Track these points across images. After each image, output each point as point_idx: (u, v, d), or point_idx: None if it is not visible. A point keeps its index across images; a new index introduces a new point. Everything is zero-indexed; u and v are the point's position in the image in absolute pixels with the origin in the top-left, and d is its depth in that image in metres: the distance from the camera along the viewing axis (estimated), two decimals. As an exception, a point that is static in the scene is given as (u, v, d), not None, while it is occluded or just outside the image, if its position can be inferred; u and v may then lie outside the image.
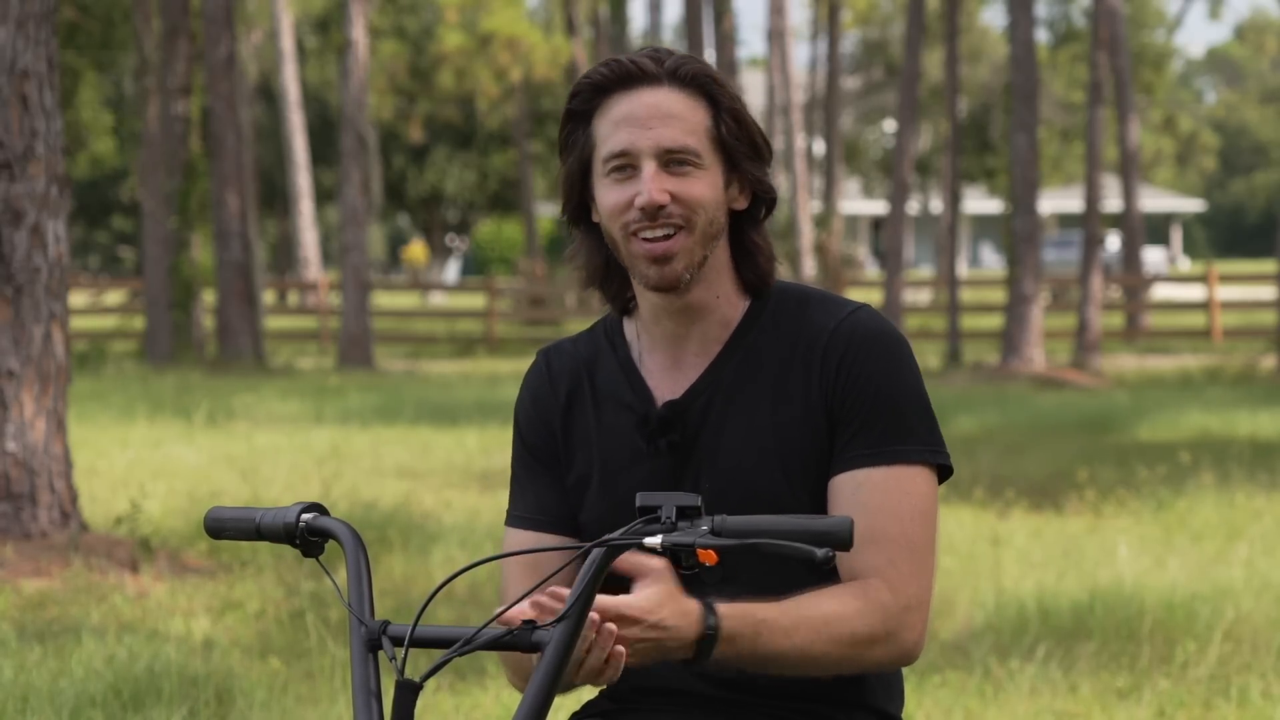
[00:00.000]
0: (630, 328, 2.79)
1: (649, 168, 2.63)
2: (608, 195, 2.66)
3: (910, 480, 2.65)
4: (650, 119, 2.63)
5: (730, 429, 2.69)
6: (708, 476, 2.68)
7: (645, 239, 2.63)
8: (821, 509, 2.66)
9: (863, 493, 2.64)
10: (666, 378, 2.74)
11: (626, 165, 2.64)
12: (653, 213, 2.62)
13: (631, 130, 2.64)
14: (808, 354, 2.69)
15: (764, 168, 2.71)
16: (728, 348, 2.72)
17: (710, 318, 2.72)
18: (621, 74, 2.66)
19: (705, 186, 2.65)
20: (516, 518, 2.82)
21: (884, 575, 2.62)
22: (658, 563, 2.47)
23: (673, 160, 2.63)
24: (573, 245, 2.79)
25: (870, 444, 2.64)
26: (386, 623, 2.39)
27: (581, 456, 2.77)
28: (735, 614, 2.52)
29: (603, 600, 2.40)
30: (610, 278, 2.76)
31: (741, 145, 2.68)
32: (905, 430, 2.66)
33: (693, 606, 2.49)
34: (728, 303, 2.73)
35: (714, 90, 2.67)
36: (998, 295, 31.04)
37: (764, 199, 2.72)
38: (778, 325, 2.72)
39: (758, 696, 2.69)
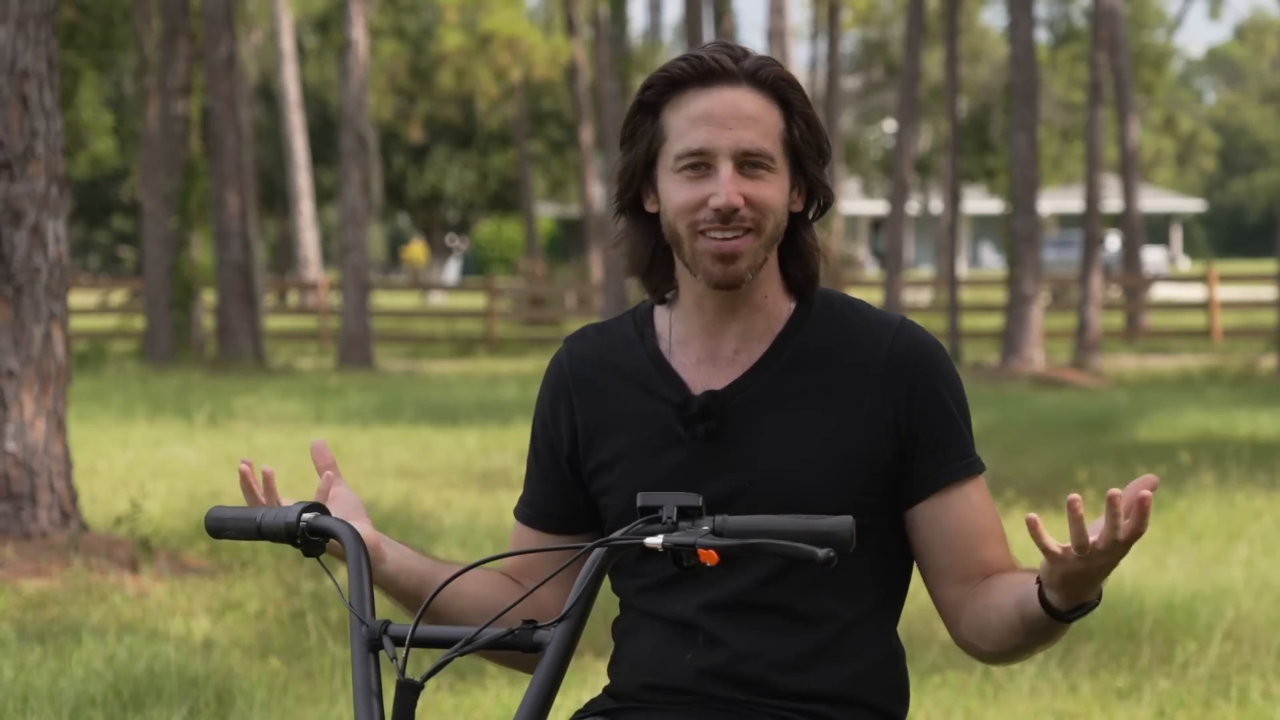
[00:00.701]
0: (662, 319, 2.79)
1: (726, 169, 2.62)
2: (679, 192, 2.65)
3: (984, 484, 2.80)
4: (729, 119, 2.63)
5: (775, 429, 2.70)
6: (746, 474, 2.68)
7: (714, 237, 2.63)
8: (865, 516, 2.64)
9: (975, 497, 2.75)
10: (699, 371, 2.74)
11: (701, 164, 2.63)
12: (727, 215, 2.62)
13: (710, 129, 2.63)
14: (864, 367, 2.71)
15: (824, 169, 2.73)
16: (775, 347, 2.73)
17: (753, 316, 2.72)
18: (701, 70, 2.64)
19: (776, 190, 2.65)
20: (518, 506, 2.89)
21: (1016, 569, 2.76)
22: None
23: (748, 162, 2.63)
24: (619, 233, 2.78)
25: (962, 454, 2.74)
26: (388, 622, 2.39)
27: (603, 443, 2.77)
28: None
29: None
30: (654, 268, 2.76)
31: (810, 150, 2.69)
32: (972, 437, 2.78)
33: None
34: (773, 302, 2.74)
35: (789, 94, 2.67)
36: (998, 295, 31.05)
37: (818, 199, 2.74)
38: (826, 332, 2.73)
39: (761, 696, 2.69)
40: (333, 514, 2.61)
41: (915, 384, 2.71)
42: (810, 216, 2.75)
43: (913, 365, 2.71)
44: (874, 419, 2.70)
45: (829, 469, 2.68)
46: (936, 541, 2.72)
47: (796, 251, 2.74)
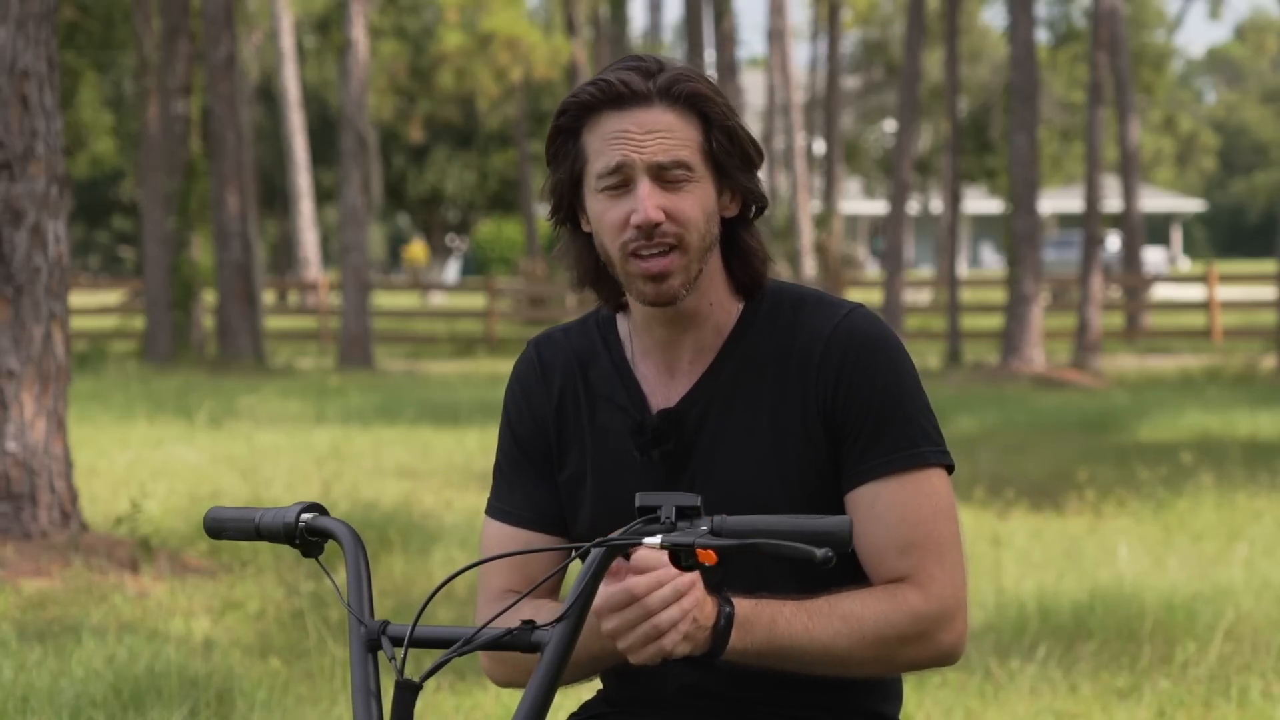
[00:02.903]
0: (623, 326, 2.78)
1: (644, 185, 2.60)
2: (605, 212, 2.63)
3: (927, 483, 2.64)
4: (644, 135, 2.60)
5: (727, 438, 2.68)
6: (702, 486, 2.66)
7: (642, 257, 2.61)
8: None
9: (881, 504, 2.63)
10: (660, 384, 2.73)
11: (621, 182, 2.62)
12: (649, 231, 2.60)
13: (626, 146, 2.60)
14: (803, 362, 2.67)
15: (755, 176, 2.69)
16: (722, 354, 2.70)
17: (704, 325, 2.70)
18: (612, 95, 2.62)
19: (697, 202, 2.62)
20: (502, 511, 2.80)
21: (914, 581, 2.61)
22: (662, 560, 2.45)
23: (666, 175, 2.61)
24: (561, 245, 2.77)
25: (883, 453, 2.63)
26: (386, 623, 2.39)
27: (574, 454, 2.75)
28: (750, 602, 2.52)
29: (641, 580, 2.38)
30: (602, 278, 2.74)
31: (733, 159, 2.65)
32: (915, 433, 2.65)
33: (707, 594, 2.47)
34: (720, 309, 2.71)
35: (706, 107, 2.63)
36: (998, 295, 31.04)
37: (753, 203, 2.71)
38: (772, 331, 2.70)
39: (753, 703, 2.69)
40: None
41: (844, 373, 2.65)
42: (751, 217, 2.71)
43: (843, 353, 2.65)
44: (812, 417, 2.66)
45: (783, 475, 2.65)
46: (858, 540, 2.64)
47: (739, 253, 2.70)
